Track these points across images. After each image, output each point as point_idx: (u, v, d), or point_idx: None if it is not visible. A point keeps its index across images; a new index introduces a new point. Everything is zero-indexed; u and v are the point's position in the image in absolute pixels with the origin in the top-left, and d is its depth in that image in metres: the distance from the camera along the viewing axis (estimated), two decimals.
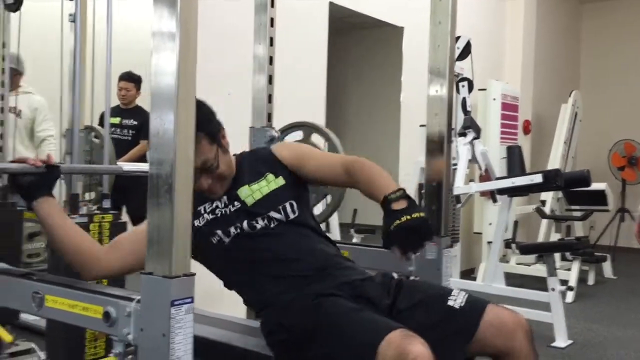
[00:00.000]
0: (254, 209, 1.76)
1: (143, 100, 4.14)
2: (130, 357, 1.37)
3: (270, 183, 1.81)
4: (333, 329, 1.50)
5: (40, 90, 3.67)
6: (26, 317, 3.19)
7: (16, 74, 3.30)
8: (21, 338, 2.82)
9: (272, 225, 1.74)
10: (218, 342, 1.75)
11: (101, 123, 2.84)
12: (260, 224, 1.74)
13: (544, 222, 5.79)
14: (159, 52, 1.25)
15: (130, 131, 4.10)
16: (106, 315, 1.32)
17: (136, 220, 2.96)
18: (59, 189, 2.61)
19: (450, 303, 1.64)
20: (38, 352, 2.70)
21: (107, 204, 2.40)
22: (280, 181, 1.82)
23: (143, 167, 2.01)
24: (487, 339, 1.59)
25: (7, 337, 1.69)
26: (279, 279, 1.69)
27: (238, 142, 2.85)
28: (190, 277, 1.26)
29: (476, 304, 1.63)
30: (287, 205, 1.78)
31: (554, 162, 6.31)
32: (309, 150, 1.98)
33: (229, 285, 1.81)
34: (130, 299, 1.31)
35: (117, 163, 2.68)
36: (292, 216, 1.78)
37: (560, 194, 5.81)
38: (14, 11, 2.82)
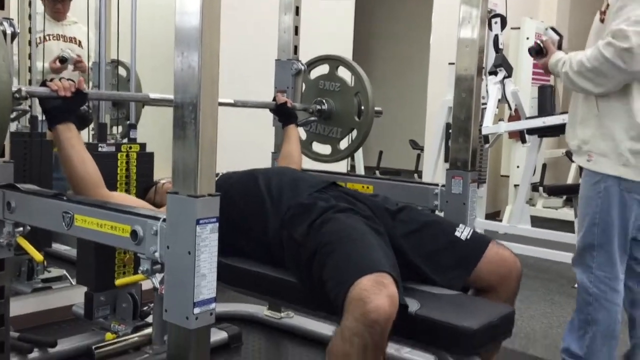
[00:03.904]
0: None
1: None
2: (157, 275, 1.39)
3: None
4: (326, 254, 1.51)
5: None
6: (58, 246, 3.30)
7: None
8: (53, 266, 2.91)
9: None
10: (240, 268, 1.78)
11: None
12: None
13: (574, 166, 5.68)
14: None
15: None
16: (134, 233, 1.35)
17: None
18: None
19: (457, 234, 1.73)
20: (70, 278, 2.79)
21: (134, 134, 2.41)
22: None
23: (170, 96, 2.01)
24: (483, 274, 1.69)
25: (38, 256, 1.73)
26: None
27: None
28: (215, 197, 1.27)
29: (480, 240, 1.74)
30: None
31: None
32: None
33: None
34: (157, 218, 1.33)
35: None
36: None
37: None
38: None
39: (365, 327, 1.30)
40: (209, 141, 1.27)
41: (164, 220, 1.31)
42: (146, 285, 2.17)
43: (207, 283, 1.26)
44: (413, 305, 1.50)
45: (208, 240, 1.26)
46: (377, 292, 1.32)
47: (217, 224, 1.28)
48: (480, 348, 1.49)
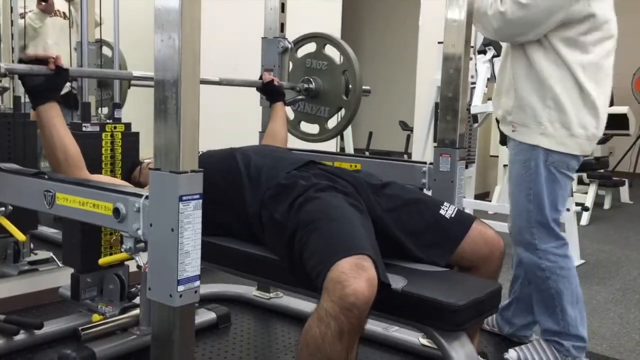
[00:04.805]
0: None
1: None
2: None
3: None
4: (306, 234, 1.49)
5: None
6: (44, 229, 3.27)
7: None
8: (39, 248, 2.89)
9: None
10: (223, 246, 1.76)
11: None
12: None
13: None
14: None
15: None
16: (116, 211, 1.33)
17: None
18: None
19: (442, 212, 1.73)
20: (56, 260, 2.77)
21: (118, 114, 2.38)
22: None
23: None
24: (466, 252, 1.69)
25: (21, 236, 1.72)
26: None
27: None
28: (198, 173, 1.26)
29: (464, 218, 1.74)
30: None
31: None
32: None
33: None
34: (140, 195, 1.31)
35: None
36: None
37: None
38: None
39: (343, 311, 1.28)
40: (191, 118, 1.25)
41: (147, 197, 1.29)
42: (133, 267, 2.17)
43: (191, 261, 1.25)
44: (399, 282, 1.50)
45: (191, 217, 1.24)
46: (356, 275, 1.30)
47: (200, 201, 1.26)
48: (467, 324, 1.49)
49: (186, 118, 1.24)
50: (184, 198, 1.22)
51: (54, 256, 2.82)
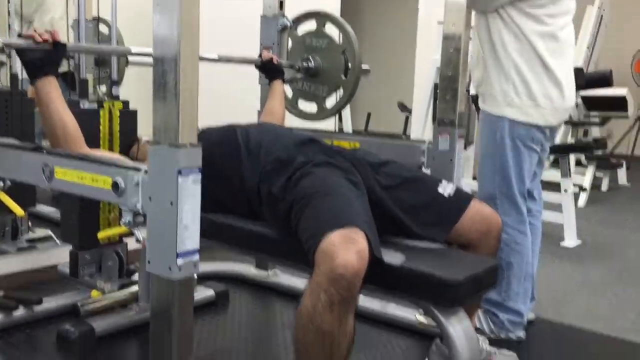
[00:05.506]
0: None
1: None
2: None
3: None
4: (301, 208, 1.50)
5: None
6: (43, 208, 3.28)
7: None
8: (38, 226, 2.89)
9: None
10: (222, 223, 1.77)
11: None
12: None
13: (562, 127, 5.70)
14: None
15: None
16: (115, 185, 1.33)
17: None
18: None
19: (440, 190, 1.73)
20: (55, 238, 2.77)
21: (116, 91, 2.37)
22: None
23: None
24: (464, 230, 1.70)
25: (19, 210, 1.72)
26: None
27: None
28: (197, 147, 1.25)
29: (462, 196, 1.75)
30: None
31: (576, 66, 6.13)
32: None
33: None
34: (139, 169, 1.31)
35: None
36: None
37: (579, 100, 5.69)
38: None
39: (332, 282, 1.29)
40: (190, 92, 1.25)
41: (146, 171, 1.29)
42: (132, 245, 2.18)
43: (190, 234, 1.25)
44: (398, 258, 1.50)
45: (190, 190, 1.24)
46: (346, 247, 1.30)
47: (199, 175, 1.26)
48: (465, 299, 1.50)
49: (185, 92, 1.24)
50: (183, 172, 1.22)
51: (52, 234, 2.82)
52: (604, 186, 5.69)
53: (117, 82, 2.37)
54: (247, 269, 2.75)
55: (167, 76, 1.24)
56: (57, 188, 1.48)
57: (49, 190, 3.28)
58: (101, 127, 2.19)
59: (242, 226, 1.74)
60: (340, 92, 2.68)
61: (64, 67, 2.51)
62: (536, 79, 2.10)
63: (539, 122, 2.13)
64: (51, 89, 1.66)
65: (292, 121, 2.66)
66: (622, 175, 6.01)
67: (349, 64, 2.60)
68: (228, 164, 1.77)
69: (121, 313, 2.16)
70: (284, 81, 2.50)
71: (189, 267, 1.26)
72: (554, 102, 2.13)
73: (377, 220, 1.51)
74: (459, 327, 1.47)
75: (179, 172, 1.22)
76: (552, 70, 2.11)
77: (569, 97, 2.18)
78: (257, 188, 1.69)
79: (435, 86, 4.51)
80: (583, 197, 4.95)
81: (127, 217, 1.32)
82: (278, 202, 1.60)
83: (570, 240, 3.74)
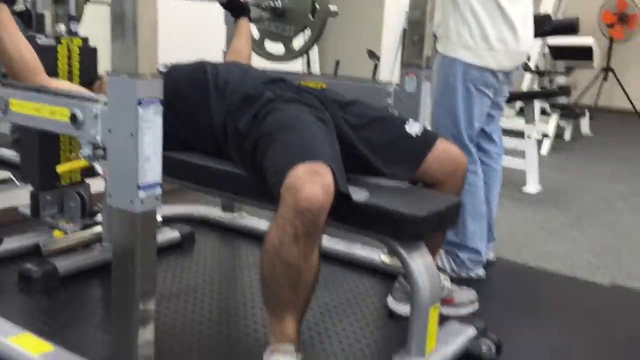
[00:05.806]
0: None
1: None
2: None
3: None
4: (267, 144, 1.49)
5: None
6: (2, 151, 3.19)
7: None
8: None
9: None
10: (188, 162, 1.75)
11: None
12: None
13: (527, 76, 5.73)
14: None
15: None
16: (73, 117, 1.30)
17: None
18: None
19: (407, 129, 1.74)
20: (15, 180, 2.71)
21: (75, 27, 2.28)
22: None
23: None
24: (430, 169, 1.72)
25: None
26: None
27: None
28: (158, 78, 1.22)
29: (429, 136, 1.76)
30: None
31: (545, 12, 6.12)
32: None
33: None
34: (97, 101, 1.28)
35: None
36: None
37: (546, 49, 5.71)
38: None
39: (297, 215, 1.29)
40: (149, 22, 1.21)
41: (105, 103, 1.26)
42: (96, 188, 2.14)
43: (151, 167, 1.23)
44: (363, 195, 1.51)
45: (151, 122, 1.21)
46: (311, 180, 1.30)
47: (160, 107, 1.23)
48: (426, 235, 1.52)
49: (144, 22, 1.20)
50: (143, 102, 1.19)
51: (12, 176, 2.76)
52: (567, 135, 5.78)
53: (76, 18, 2.29)
54: (213, 211, 2.74)
55: (125, 4, 1.19)
56: (14, 121, 1.44)
57: (9, 134, 3.21)
58: (59, 64, 2.13)
59: (207, 165, 1.72)
60: (308, 33, 2.64)
61: (20, 5, 2.41)
62: (491, 23, 2.12)
63: (492, 65, 2.16)
64: (3, 15, 1.59)
65: (257, 62, 2.61)
66: (585, 125, 6.10)
67: (316, 5, 2.55)
68: (196, 101, 1.73)
69: (84, 253, 2.14)
70: (250, 19, 2.44)
71: (151, 200, 1.24)
72: (508, 46, 2.15)
73: (345, 159, 1.51)
74: (420, 263, 1.51)
75: (139, 103, 1.19)
76: (508, 14, 2.12)
77: (524, 40, 2.19)
78: (223, 125, 1.67)
79: (404, 32, 4.47)
80: (546, 145, 5.03)
81: (86, 150, 1.29)
82: (244, 139, 1.58)
83: (532, 186, 3.81)
